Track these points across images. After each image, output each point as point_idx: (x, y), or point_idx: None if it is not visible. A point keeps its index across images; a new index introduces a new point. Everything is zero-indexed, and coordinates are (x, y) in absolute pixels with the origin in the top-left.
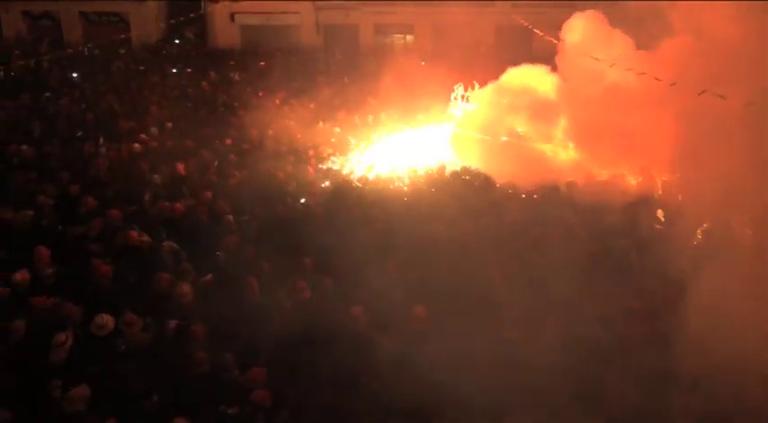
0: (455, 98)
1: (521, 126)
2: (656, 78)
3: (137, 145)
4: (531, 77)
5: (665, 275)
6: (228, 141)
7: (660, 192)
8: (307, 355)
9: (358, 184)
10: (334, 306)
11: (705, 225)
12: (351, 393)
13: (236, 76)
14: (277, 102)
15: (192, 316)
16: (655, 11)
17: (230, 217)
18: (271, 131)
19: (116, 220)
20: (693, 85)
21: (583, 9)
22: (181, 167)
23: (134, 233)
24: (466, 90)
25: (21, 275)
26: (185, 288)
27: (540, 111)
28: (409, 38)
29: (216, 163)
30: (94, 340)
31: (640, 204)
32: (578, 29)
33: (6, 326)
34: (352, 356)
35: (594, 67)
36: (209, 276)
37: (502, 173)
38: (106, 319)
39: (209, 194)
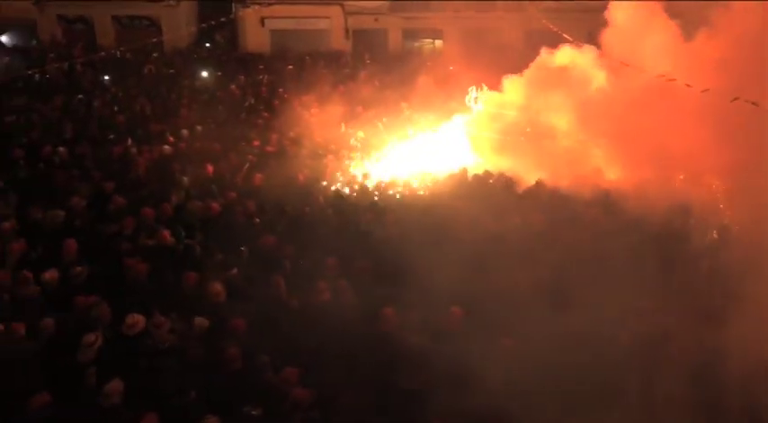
0: (470, 101)
1: (558, 120)
2: (687, 85)
3: (166, 147)
4: (572, 62)
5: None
6: (256, 143)
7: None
8: (338, 355)
9: (372, 188)
10: (364, 307)
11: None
12: (384, 393)
13: (265, 80)
14: (301, 106)
15: (225, 313)
16: (690, 11)
17: (257, 219)
18: (293, 134)
19: (149, 220)
20: (727, 91)
21: None
22: (210, 169)
23: (166, 233)
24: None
25: (50, 275)
26: (218, 287)
27: (583, 107)
28: (438, 43)
29: (247, 165)
30: (125, 339)
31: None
32: (624, 10)
33: (36, 324)
34: (386, 357)
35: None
36: (235, 271)
37: (529, 171)
38: (137, 319)
39: (232, 195)
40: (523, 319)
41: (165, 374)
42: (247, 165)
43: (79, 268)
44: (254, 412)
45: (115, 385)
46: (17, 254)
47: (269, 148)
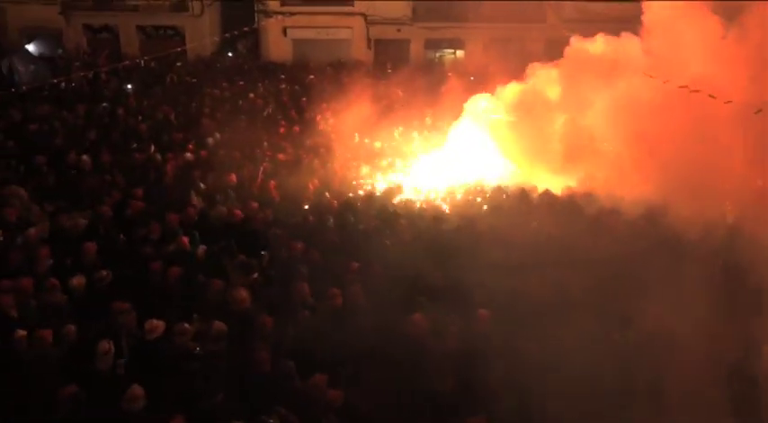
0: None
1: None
2: (711, 96)
3: (188, 155)
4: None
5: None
6: (269, 152)
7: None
8: (366, 360)
9: (380, 195)
10: (393, 313)
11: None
12: (412, 394)
13: (285, 89)
14: (319, 115)
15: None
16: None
17: (277, 231)
18: (309, 143)
19: (174, 225)
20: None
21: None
22: (233, 177)
23: (185, 238)
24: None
25: (77, 280)
26: (243, 293)
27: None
28: (459, 53)
29: (261, 172)
30: (149, 344)
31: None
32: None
33: (59, 330)
34: (413, 359)
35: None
36: (255, 275)
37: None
38: (156, 324)
39: (254, 205)
40: (540, 323)
41: (191, 378)
42: (261, 172)
43: (104, 272)
44: (270, 421)
45: (136, 390)
46: (45, 260)
47: (280, 157)
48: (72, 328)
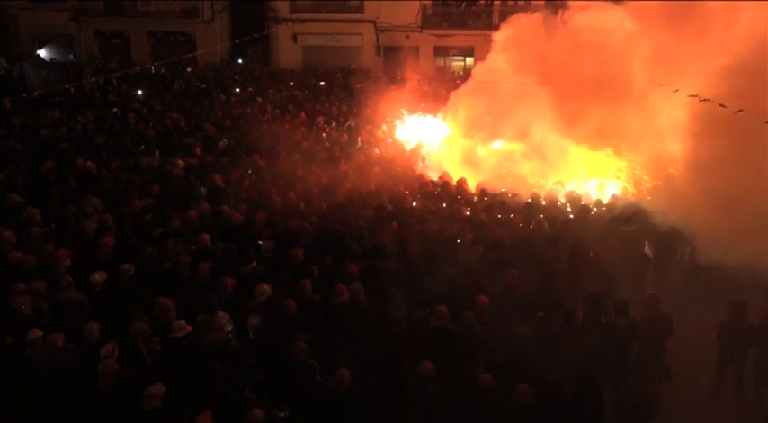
0: None
1: None
2: (721, 105)
3: (180, 161)
4: None
5: None
6: (257, 156)
7: None
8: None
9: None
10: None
11: None
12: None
13: (288, 95)
14: (321, 120)
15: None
16: None
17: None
18: (306, 145)
19: (194, 221)
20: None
21: None
22: (219, 180)
23: (206, 236)
24: None
25: (99, 275)
26: (264, 287)
27: None
28: (469, 60)
29: (249, 176)
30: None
31: None
32: None
33: (78, 329)
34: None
35: None
36: (254, 263)
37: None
38: (183, 324)
39: (243, 207)
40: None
41: (218, 373)
42: (249, 176)
43: (127, 266)
44: (281, 414)
45: (157, 388)
46: (63, 260)
47: (261, 162)
48: (94, 325)
